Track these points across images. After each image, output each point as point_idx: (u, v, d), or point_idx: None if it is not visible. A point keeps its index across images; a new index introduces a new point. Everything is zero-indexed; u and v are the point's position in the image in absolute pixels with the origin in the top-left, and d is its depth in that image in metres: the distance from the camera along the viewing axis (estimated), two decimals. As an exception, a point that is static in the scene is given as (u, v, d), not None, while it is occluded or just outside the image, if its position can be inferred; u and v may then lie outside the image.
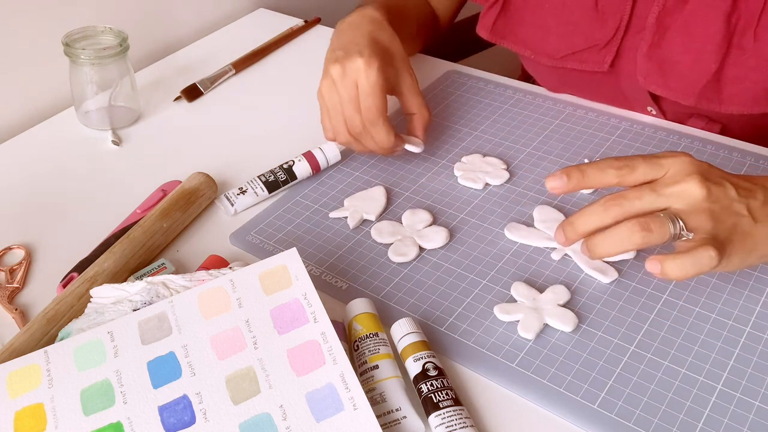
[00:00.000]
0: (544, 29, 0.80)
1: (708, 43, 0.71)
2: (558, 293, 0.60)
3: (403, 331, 0.55)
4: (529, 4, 0.81)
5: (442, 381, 0.52)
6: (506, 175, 0.74)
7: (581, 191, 0.71)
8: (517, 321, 0.58)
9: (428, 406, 0.51)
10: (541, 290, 0.61)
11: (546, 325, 0.58)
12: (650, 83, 0.76)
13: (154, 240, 0.65)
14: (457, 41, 1.10)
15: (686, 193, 0.53)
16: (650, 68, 0.75)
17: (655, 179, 0.54)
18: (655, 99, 0.80)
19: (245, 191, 0.71)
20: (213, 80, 0.93)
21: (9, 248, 0.68)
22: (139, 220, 0.67)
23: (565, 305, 0.59)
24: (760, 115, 0.73)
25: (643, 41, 0.75)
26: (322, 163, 0.74)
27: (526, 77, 1.01)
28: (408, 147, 0.73)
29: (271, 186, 0.72)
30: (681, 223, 0.52)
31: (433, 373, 0.53)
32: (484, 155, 0.77)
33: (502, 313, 0.59)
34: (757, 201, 0.54)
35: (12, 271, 0.66)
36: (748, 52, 0.70)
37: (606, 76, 0.80)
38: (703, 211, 0.53)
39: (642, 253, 0.63)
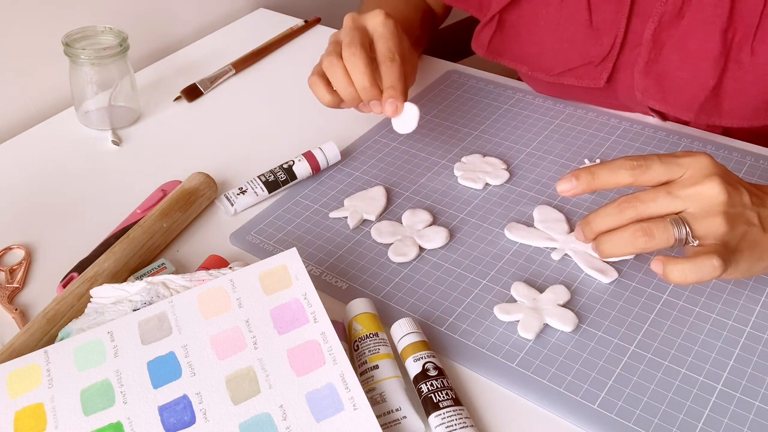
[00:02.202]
0: (540, 46, 0.80)
1: (705, 59, 0.71)
2: (558, 293, 0.60)
3: (403, 331, 0.55)
4: (524, 21, 0.80)
5: (442, 381, 0.52)
6: (506, 175, 0.74)
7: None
8: (517, 321, 0.58)
9: (428, 406, 0.51)
10: (541, 290, 0.61)
11: (546, 325, 0.58)
12: (648, 99, 0.76)
13: (154, 240, 0.65)
14: (458, 41, 1.10)
15: (705, 195, 0.52)
16: (648, 84, 0.75)
17: (671, 179, 0.53)
18: (656, 111, 0.79)
19: (245, 191, 0.71)
20: (213, 80, 0.93)
21: (9, 248, 0.68)
22: (139, 220, 0.67)
23: (565, 305, 0.59)
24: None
25: (640, 57, 0.75)
26: (322, 163, 0.74)
27: (526, 77, 1.01)
28: (396, 127, 0.69)
29: (271, 186, 0.72)
30: (687, 229, 0.51)
31: (433, 373, 0.53)
32: (484, 155, 0.77)
33: (502, 313, 0.59)
34: (767, 210, 0.54)
35: (12, 271, 0.66)
36: (745, 66, 0.70)
37: (604, 91, 0.80)
38: (720, 214, 0.52)
39: (645, 254, 0.63)
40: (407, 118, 0.68)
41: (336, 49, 0.68)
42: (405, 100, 0.67)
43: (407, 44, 0.72)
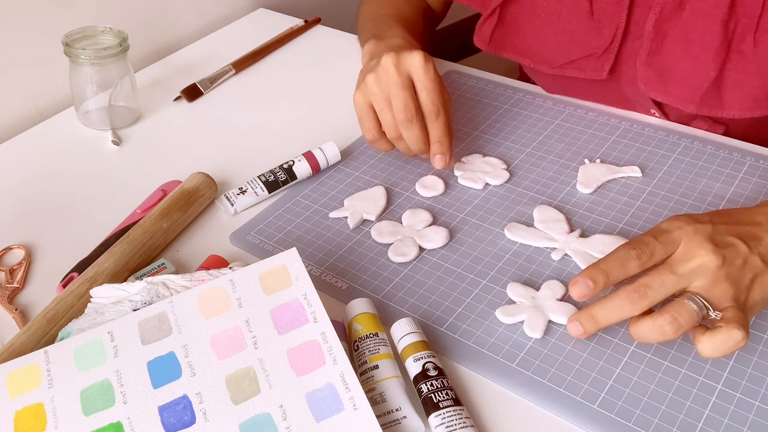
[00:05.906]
0: (542, 38, 0.80)
1: (707, 50, 0.71)
2: (554, 288, 0.60)
3: (403, 331, 0.56)
4: (526, 13, 0.81)
5: (442, 381, 0.52)
6: (506, 175, 0.74)
7: (580, 191, 0.71)
8: (521, 322, 0.58)
9: (428, 406, 0.51)
10: (537, 289, 0.61)
11: (549, 324, 0.58)
12: (651, 90, 0.76)
13: (154, 240, 0.65)
14: (458, 42, 1.10)
15: (704, 266, 0.52)
16: (650, 75, 0.75)
17: (669, 254, 0.54)
18: (658, 104, 0.79)
19: (245, 191, 0.72)
20: (213, 80, 0.93)
21: (9, 248, 0.68)
22: (139, 220, 0.67)
23: (562, 299, 0.60)
24: (763, 116, 0.73)
25: (642, 48, 0.75)
26: (322, 163, 0.74)
27: (526, 77, 1.01)
28: (420, 190, 0.73)
29: (271, 186, 0.72)
30: (704, 302, 0.52)
31: (433, 373, 0.53)
32: (484, 155, 0.77)
33: (505, 315, 0.58)
34: (764, 246, 0.54)
35: (12, 271, 0.66)
36: (747, 57, 0.70)
37: (607, 83, 0.80)
38: (723, 278, 0.52)
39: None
40: (434, 182, 0.73)
41: (382, 94, 0.68)
42: (452, 152, 0.71)
43: (447, 93, 0.72)
